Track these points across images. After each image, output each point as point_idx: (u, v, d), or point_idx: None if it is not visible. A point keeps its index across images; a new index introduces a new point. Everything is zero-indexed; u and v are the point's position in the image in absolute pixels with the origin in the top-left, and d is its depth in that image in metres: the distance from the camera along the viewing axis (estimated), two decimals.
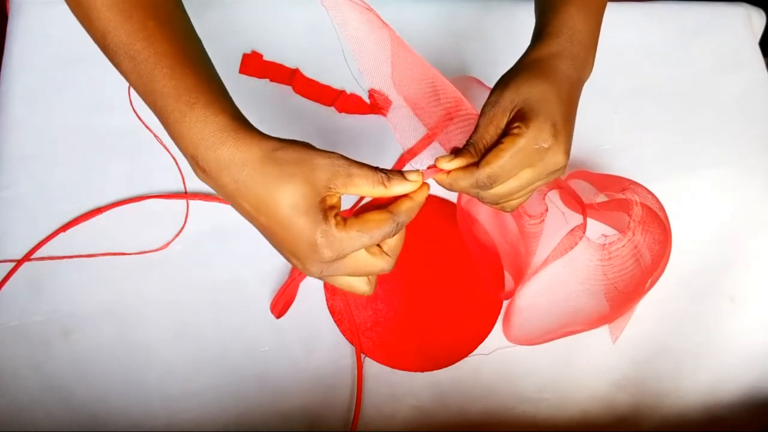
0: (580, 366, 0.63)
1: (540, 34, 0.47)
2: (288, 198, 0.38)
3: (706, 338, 0.66)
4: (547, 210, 0.57)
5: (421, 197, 0.42)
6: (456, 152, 0.44)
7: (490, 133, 0.44)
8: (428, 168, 0.44)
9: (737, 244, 0.69)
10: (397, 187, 0.41)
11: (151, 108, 0.41)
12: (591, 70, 0.49)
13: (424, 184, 0.42)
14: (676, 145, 0.73)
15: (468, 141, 0.44)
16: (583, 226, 0.56)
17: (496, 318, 0.63)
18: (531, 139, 0.42)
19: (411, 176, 0.41)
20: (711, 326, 0.66)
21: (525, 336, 0.61)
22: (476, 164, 0.43)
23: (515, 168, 0.43)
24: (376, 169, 0.40)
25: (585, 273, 0.57)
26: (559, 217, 0.64)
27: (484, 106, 0.45)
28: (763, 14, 0.80)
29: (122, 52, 0.41)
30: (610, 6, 0.77)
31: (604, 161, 0.70)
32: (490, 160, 0.42)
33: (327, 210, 0.39)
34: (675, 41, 0.77)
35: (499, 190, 0.44)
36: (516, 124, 0.43)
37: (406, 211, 0.41)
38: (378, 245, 0.41)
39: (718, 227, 0.70)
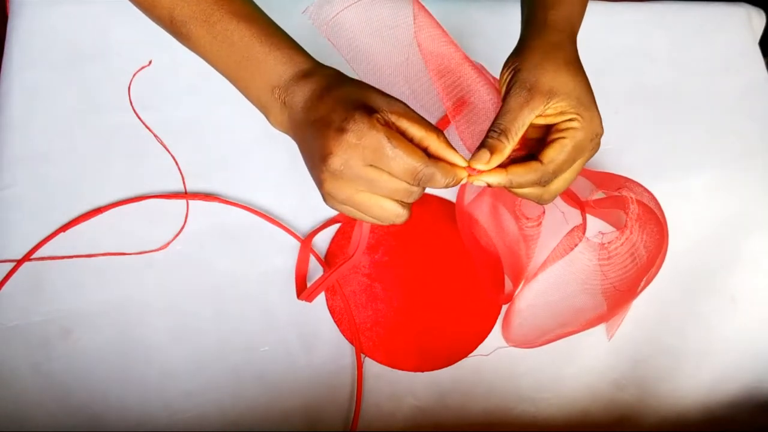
0: (580, 366, 0.63)
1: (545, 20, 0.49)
2: (343, 89, 0.41)
3: (706, 338, 0.66)
4: (544, 213, 0.57)
5: (461, 173, 0.42)
6: (483, 143, 0.43)
7: (525, 116, 0.44)
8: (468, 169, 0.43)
9: (737, 244, 0.69)
10: (446, 152, 0.41)
11: (227, 64, 0.45)
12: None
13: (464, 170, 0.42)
14: (675, 145, 0.73)
15: (497, 127, 0.44)
16: (582, 227, 0.56)
17: (496, 318, 0.63)
18: (589, 132, 0.44)
19: (459, 161, 0.42)
20: (711, 326, 0.66)
21: (524, 338, 0.61)
22: (536, 160, 0.44)
23: (573, 161, 0.44)
24: (435, 128, 0.41)
25: (584, 275, 0.57)
26: (559, 217, 0.64)
27: (514, 88, 0.45)
28: (763, 14, 0.80)
29: (194, 20, 0.44)
30: (610, 6, 0.77)
31: (604, 161, 0.70)
32: (554, 157, 0.43)
33: (374, 112, 0.40)
34: (675, 41, 0.77)
35: (557, 185, 0.46)
36: (570, 117, 0.44)
37: (444, 170, 0.41)
38: None
39: (718, 227, 0.70)
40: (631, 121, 0.73)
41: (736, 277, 0.68)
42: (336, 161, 0.39)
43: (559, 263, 0.56)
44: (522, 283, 0.61)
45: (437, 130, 0.41)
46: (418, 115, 0.41)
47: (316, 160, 0.41)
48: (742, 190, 0.72)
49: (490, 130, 0.44)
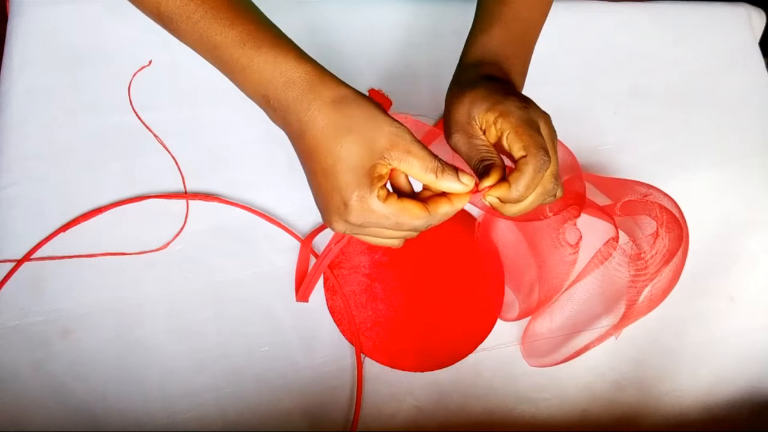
0: (579, 366, 0.63)
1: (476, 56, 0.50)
2: (341, 150, 0.39)
3: (706, 338, 0.66)
4: (581, 237, 0.56)
5: (459, 204, 0.42)
6: (480, 176, 0.44)
7: (479, 145, 0.44)
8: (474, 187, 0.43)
9: (737, 244, 0.69)
10: (446, 183, 0.41)
11: (216, 64, 0.42)
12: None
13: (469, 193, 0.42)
14: (676, 144, 0.73)
15: (475, 166, 0.44)
16: (616, 237, 0.55)
17: (496, 318, 0.63)
18: (515, 105, 0.43)
19: (464, 178, 0.41)
20: (711, 326, 0.66)
21: (548, 358, 0.61)
22: (518, 161, 0.44)
23: (535, 132, 0.43)
24: (435, 156, 0.40)
25: (616, 286, 0.56)
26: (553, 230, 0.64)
27: (451, 137, 0.45)
28: (763, 14, 0.80)
29: (178, 17, 0.41)
30: (611, 6, 0.77)
31: (604, 161, 0.70)
32: (521, 145, 0.43)
33: (374, 177, 0.39)
34: (675, 41, 0.77)
35: (551, 169, 0.45)
36: (494, 118, 0.44)
37: (442, 215, 0.42)
38: None
39: (718, 227, 0.70)
40: (630, 121, 0.73)
41: (736, 277, 0.68)
42: (339, 226, 0.41)
43: (590, 277, 0.56)
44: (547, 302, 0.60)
45: (438, 162, 0.40)
46: (420, 145, 0.40)
47: (319, 203, 0.42)
48: (741, 190, 0.72)
49: (473, 168, 0.45)
